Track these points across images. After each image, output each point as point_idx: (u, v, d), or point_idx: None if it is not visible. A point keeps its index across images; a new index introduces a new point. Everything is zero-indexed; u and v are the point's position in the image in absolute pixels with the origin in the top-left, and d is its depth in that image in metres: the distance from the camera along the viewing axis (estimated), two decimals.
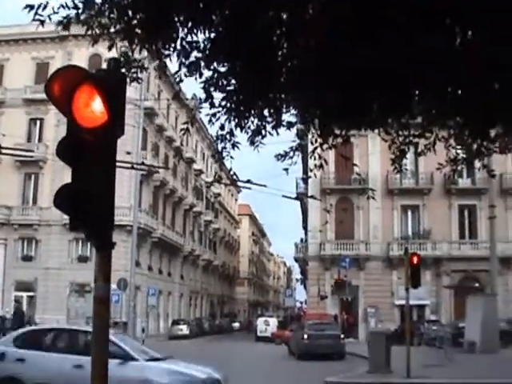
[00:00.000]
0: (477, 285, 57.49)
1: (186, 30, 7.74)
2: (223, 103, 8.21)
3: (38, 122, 65.32)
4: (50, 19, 7.54)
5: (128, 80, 7.98)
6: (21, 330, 17.34)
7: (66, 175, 5.76)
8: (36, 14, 7.27)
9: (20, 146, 55.34)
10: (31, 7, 7.24)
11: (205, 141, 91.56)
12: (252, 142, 8.97)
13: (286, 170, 10.03)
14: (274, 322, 66.69)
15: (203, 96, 8.38)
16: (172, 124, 74.87)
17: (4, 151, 34.85)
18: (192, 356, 42.01)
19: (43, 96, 5.85)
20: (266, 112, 8.62)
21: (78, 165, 5.80)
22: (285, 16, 7.46)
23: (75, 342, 16.38)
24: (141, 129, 44.13)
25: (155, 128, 71.06)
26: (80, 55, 60.48)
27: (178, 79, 8.48)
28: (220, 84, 8.07)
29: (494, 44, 7.34)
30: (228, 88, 8.12)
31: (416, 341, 43.27)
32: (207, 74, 8.06)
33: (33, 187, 65.10)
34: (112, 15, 7.77)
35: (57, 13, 7.49)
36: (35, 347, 15.94)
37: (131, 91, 34.96)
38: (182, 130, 9.46)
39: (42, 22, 7.45)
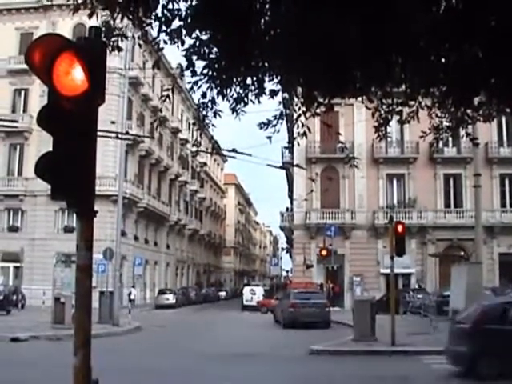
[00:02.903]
0: (462, 253, 57.70)
1: None
2: (205, 71, 8.17)
3: (23, 93, 64.76)
4: None
5: (109, 48, 7.94)
6: None
7: (51, 146, 5.74)
8: None
9: (4, 117, 55.04)
10: None
11: (190, 110, 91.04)
12: (234, 110, 8.92)
13: (270, 138, 9.97)
14: (260, 290, 66.98)
15: (185, 64, 8.33)
16: (157, 94, 74.31)
17: None
18: (176, 325, 42.40)
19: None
20: (248, 80, 8.58)
21: (59, 133, 5.78)
22: None
23: None
24: (126, 98, 43.76)
25: (140, 98, 71.07)
26: (64, 25, 59.95)
27: (157, 47, 8.45)
28: (202, 52, 8.03)
29: (478, 11, 7.33)
30: (210, 56, 8.07)
31: (401, 309, 43.56)
32: (189, 41, 8.02)
33: (18, 158, 64.81)
34: None
35: None
36: None
37: (116, 61, 34.61)
38: (162, 96, 9.42)
39: None
